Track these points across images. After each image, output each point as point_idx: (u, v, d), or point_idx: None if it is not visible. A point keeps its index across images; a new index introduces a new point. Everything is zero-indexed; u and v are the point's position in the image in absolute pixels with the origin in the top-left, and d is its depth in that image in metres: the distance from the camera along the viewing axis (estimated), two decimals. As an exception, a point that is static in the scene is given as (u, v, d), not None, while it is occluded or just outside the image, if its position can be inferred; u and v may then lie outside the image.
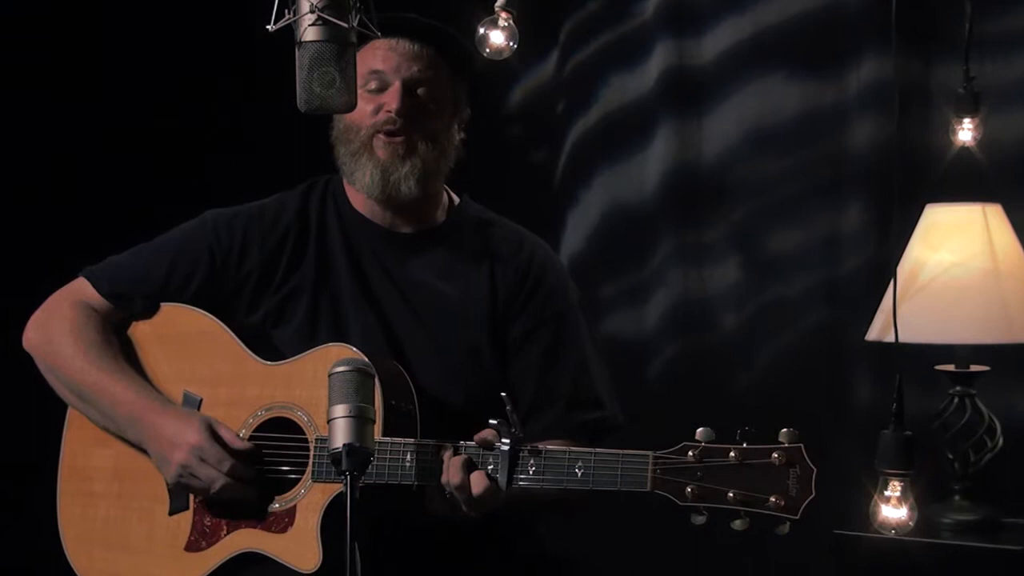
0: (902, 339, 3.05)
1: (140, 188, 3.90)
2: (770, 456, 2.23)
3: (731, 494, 2.24)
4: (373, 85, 2.66)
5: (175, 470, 2.57)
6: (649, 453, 2.30)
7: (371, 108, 2.65)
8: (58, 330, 2.74)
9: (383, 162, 2.65)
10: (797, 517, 2.22)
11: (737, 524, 2.24)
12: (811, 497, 2.21)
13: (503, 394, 2.34)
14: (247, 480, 2.56)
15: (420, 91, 2.66)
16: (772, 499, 2.22)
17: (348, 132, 2.68)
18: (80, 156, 3.86)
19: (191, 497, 2.63)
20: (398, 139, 2.65)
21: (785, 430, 2.24)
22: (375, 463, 2.38)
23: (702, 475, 2.25)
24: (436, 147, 2.68)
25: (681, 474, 2.27)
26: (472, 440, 2.42)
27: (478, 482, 2.39)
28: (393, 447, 2.45)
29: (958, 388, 3.28)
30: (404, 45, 2.66)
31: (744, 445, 2.24)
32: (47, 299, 2.81)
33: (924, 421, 3.27)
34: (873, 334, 3.31)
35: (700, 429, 2.28)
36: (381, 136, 2.65)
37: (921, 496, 3.03)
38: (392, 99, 2.64)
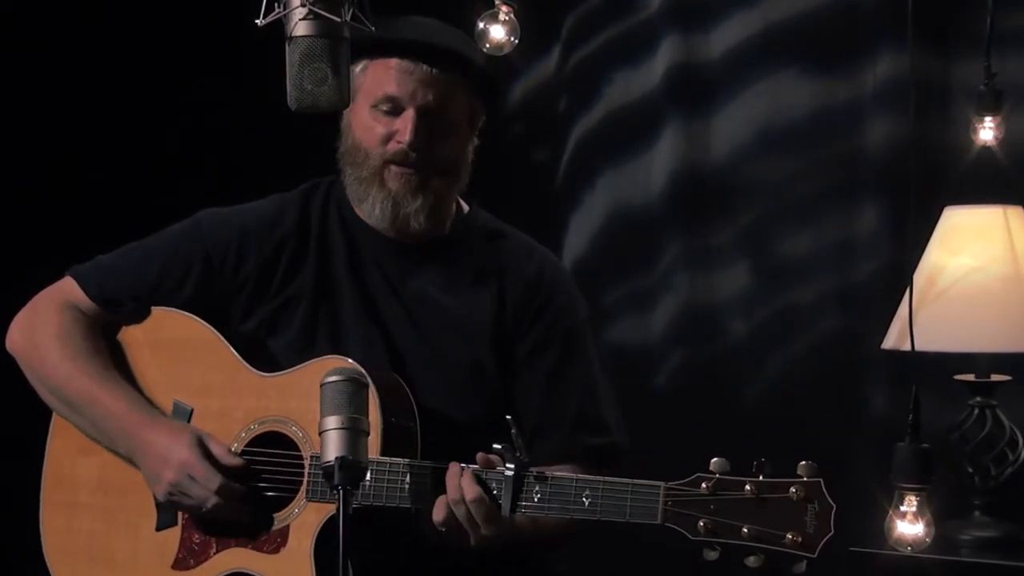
0: (919, 347, 3.05)
1: (130, 184, 3.91)
2: (788, 491, 2.22)
3: (746, 530, 2.22)
4: (385, 108, 2.63)
5: (165, 488, 2.57)
6: (660, 484, 2.29)
7: (383, 133, 2.63)
8: (44, 334, 2.73)
9: (395, 194, 2.64)
10: (815, 555, 2.21)
11: (751, 561, 2.23)
12: (830, 535, 2.20)
13: (508, 417, 2.33)
14: (238, 498, 2.55)
15: (435, 117, 2.63)
16: (789, 536, 2.21)
17: (356, 154, 2.67)
18: (68, 152, 3.87)
19: (179, 513, 2.63)
20: (410, 171, 2.63)
21: (803, 463, 2.23)
22: (372, 484, 2.38)
23: (716, 509, 2.24)
24: (449, 176, 2.68)
25: (694, 507, 2.25)
26: (474, 464, 2.41)
27: (470, 488, 2.38)
28: (392, 467, 2.44)
29: (978, 399, 3.28)
30: (422, 70, 2.62)
31: (760, 478, 2.23)
32: (32, 299, 2.80)
33: (942, 433, 3.26)
34: (889, 342, 3.30)
35: (714, 460, 2.26)
36: (393, 167, 2.64)
37: (939, 512, 3.02)
38: (405, 130, 2.61)
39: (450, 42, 2.69)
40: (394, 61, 2.62)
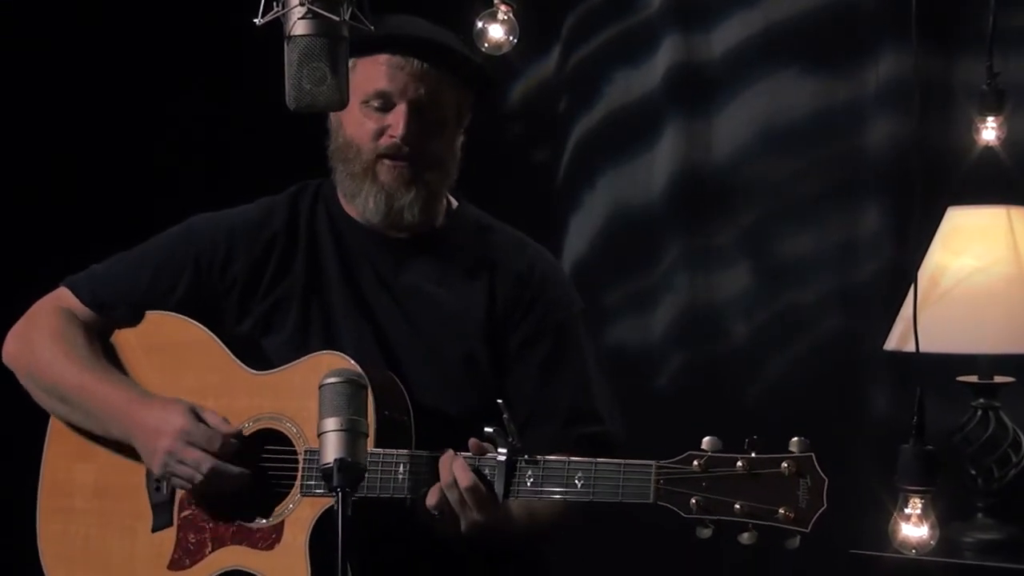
0: (922, 349, 3.04)
1: (123, 195, 3.90)
2: (779, 466, 2.22)
3: (738, 506, 2.23)
4: (377, 104, 2.64)
5: (161, 458, 2.58)
6: (652, 463, 2.30)
7: (374, 128, 2.64)
8: (39, 336, 2.75)
9: (387, 187, 2.65)
10: (807, 530, 2.21)
11: (745, 537, 2.24)
12: (823, 509, 2.21)
13: (499, 401, 2.35)
14: (236, 458, 2.55)
15: (426, 112, 2.65)
16: (781, 511, 2.21)
17: (348, 150, 2.68)
18: (61, 163, 3.86)
19: (175, 513, 2.63)
20: (403, 164, 2.64)
21: (796, 439, 2.24)
22: (366, 476, 2.38)
23: (708, 486, 2.25)
24: (441, 170, 2.69)
25: (686, 485, 2.26)
26: (467, 452, 2.42)
27: (463, 475, 2.39)
28: (385, 458, 2.45)
29: (981, 400, 3.27)
30: (413, 64, 2.63)
31: (752, 455, 2.24)
32: (28, 311, 2.81)
33: (945, 435, 3.26)
34: (892, 343, 3.30)
35: (706, 438, 2.28)
36: (386, 161, 2.65)
37: (943, 514, 3.02)
38: (398, 124, 2.62)
39: (440, 37, 2.70)
40: (384, 57, 2.63)
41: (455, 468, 2.40)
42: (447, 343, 2.67)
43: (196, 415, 2.58)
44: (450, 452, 2.43)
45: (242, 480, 2.56)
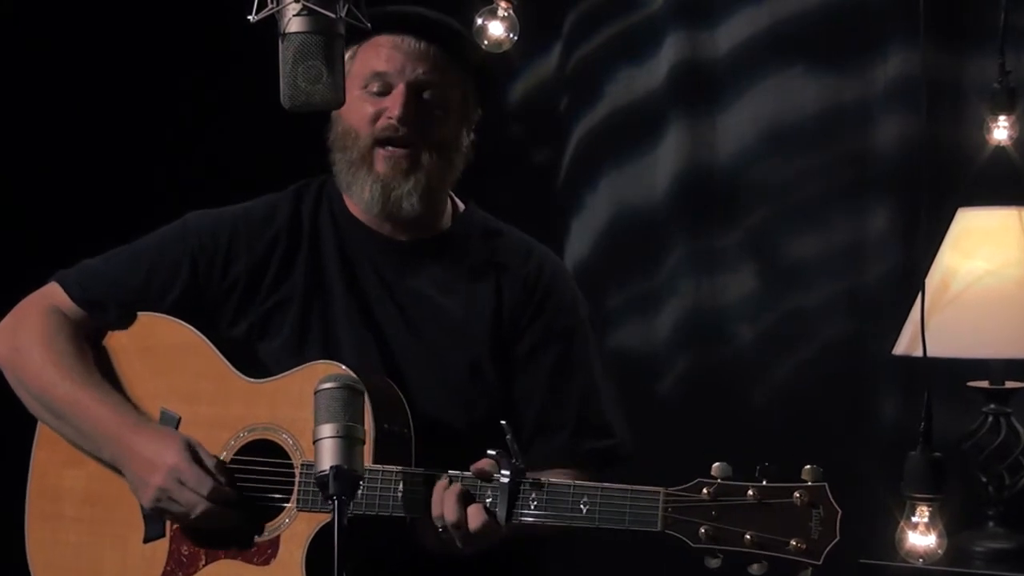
0: (931, 353, 3.03)
1: (117, 188, 3.90)
2: (791, 495, 2.20)
3: (748, 536, 2.21)
4: (375, 87, 2.63)
5: (153, 493, 2.55)
6: (660, 490, 2.28)
7: (372, 113, 2.62)
8: (27, 339, 2.71)
9: (383, 177, 2.63)
10: (819, 563, 2.19)
11: (755, 568, 2.22)
12: (835, 541, 2.19)
13: (503, 422, 2.32)
14: (229, 504, 2.53)
15: (426, 94, 2.63)
16: (792, 542, 2.20)
17: (346, 138, 2.66)
18: (54, 155, 3.86)
19: (168, 524, 2.62)
20: (400, 152, 2.62)
21: (808, 467, 2.22)
22: (364, 493, 2.37)
23: (717, 515, 2.23)
24: (442, 158, 2.66)
25: (694, 513, 2.24)
26: (469, 471, 2.40)
27: (476, 517, 2.37)
28: (384, 476, 2.43)
29: (992, 406, 3.26)
30: (410, 43, 2.62)
31: (764, 483, 2.22)
32: (16, 306, 2.78)
33: (955, 441, 3.26)
34: (900, 348, 3.29)
35: (716, 464, 2.25)
36: (381, 150, 2.63)
37: (951, 522, 3.01)
38: (395, 105, 2.61)
39: (439, 17, 2.69)
40: (383, 38, 2.63)
41: (444, 503, 2.38)
42: (452, 351, 2.65)
43: (191, 452, 2.55)
44: (443, 482, 2.40)
45: (234, 520, 2.54)
